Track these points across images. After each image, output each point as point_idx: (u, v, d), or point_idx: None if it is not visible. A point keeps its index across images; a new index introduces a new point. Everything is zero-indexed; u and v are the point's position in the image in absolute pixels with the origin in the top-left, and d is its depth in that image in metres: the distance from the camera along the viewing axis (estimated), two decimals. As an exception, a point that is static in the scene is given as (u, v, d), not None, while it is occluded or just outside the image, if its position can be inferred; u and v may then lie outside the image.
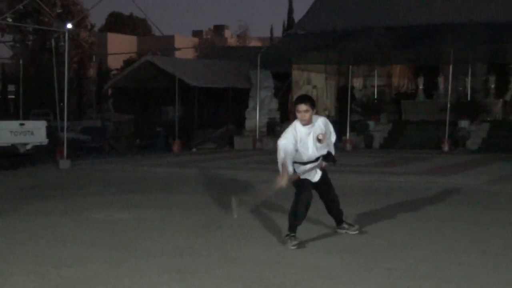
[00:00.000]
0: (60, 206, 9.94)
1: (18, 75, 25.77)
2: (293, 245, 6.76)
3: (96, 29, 58.46)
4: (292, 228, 6.94)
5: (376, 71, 27.64)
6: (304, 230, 7.19)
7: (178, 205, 10.09)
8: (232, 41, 63.31)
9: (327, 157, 7.11)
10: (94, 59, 44.71)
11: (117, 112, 31.37)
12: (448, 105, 22.04)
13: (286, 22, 49.46)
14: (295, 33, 27.86)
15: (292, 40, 27.09)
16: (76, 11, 44.95)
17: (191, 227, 8.13)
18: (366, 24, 25.45)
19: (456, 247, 6.87)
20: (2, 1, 41.36)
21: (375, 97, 27.04)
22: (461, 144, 22.48)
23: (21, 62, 26.00)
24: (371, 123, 24.79)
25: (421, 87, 27.01)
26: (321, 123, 7.01)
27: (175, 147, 22.84)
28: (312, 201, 7.02)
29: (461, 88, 25.97)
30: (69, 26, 21.11)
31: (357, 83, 28.48)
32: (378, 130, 24.76)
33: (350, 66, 25.37)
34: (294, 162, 6.91)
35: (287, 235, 6.92)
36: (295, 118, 6.99)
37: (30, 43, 46.19)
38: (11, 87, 41.73)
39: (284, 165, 6.72)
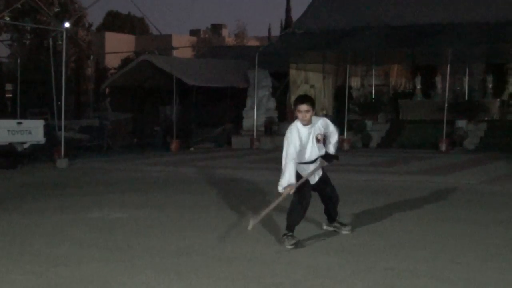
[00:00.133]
0: (57, 205, 9.93)
1: (16, 74, 25.72)
2: (291, 245, 6.77)
3: (94, 28, 58.48)
4: (290, 227, 6.94)
5: (373, 70, 27.65)
6: (302, 229, 7.19)
7: (176, 204, 10.08)
8: (229, 40, 63.32)
9: (328, 157, 7.13)
10: (91, 58, 44.66)
11: (114, 111, 31.32)
12: (446, 105, 22.04)
13: (284, 21, 49.46)
14: (293, 32, 27.84)
15: (290, 40, 27.08)
16: (74, 10, 44.88)
17: (189, 227, 8.12)
18: (364, 24, 25.47)
19: (454, 247, 6.87)
20: (-1, -1, 41.27)
21: (373, 96, 27.04)
22: (459, 143, 22.50)
23: (18, 61, 25.93)
24: (369, 123, 24.79)
25: (418, 86, 27.03)
26: (320, 125, 7.03)
27: (173, 146, 22.82)
28: (310, 201, 7.03)
29: (458, 88, 25.99)
30: (67, 25, 21.08)
31: (355, 82, 28.49)
32: (376, 129, 24.77)
33: (348, 66, 25.36)
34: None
35: (284, 235, 6.92)
36: (292, 117, 6.99)
37: (27, 42, 46.11)
38: (8, 86, 41.63)
39: (290, 172, 6.73)
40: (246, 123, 25.76)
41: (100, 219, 8.71)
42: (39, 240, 7.27)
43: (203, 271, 5.89)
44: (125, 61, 45.59)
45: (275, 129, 25.11)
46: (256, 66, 24.79)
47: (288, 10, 49.97)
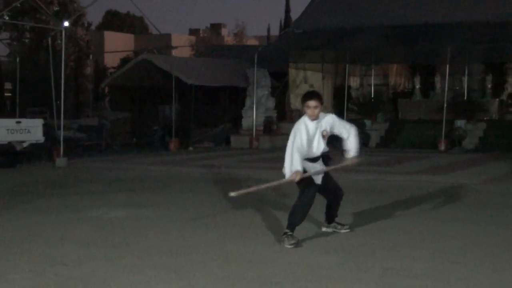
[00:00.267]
0: (56, 204, 9.92)
1: (15, 73, 25.68)
2: (290, 244, 6.77)
3: (93, 27, 58.48)
4: (291, 227, 6.95)
5: (373, 70, 27.65)
6: (302, 229, 7.19)
7: (175, 203, 10.08)
8: (229, 39, 63.27)
9: (349, 153, 7.28)
10: (91, 57, 44.67)
11: (114, 110, 31.31)
12: (445, 105, 22.06)
13: (283, 21, 49.52)
14: (292, 32, 27.84)
15: (289, 39, 27.08)
16: (73, 9, 44.86)
17: (188, 226, 8.12)
18: (363, 23, 25.45)
19: (452, 246, 6.87)
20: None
21: (372, 96, 27.04)
22: (458, 143, 22.50)
23: (17, 60, 25.89)
24: (368, 122, 24.78)
25: (418, 86, 27.04)
26: (327, 121, 7.08)
27: (172, 145, 22.79)
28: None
29: (457, 88, 25.98)
30: (66, 24, 20.97)
31: (354, 82, 28.49)
32: (375, 129, 24.76)
33: (347, 65, 25.35)
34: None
35: (284, 234, 6.93)
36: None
37: (27, 41, 46.09)
38: (7, 85, 41.61)
39: (296, 159, 6.79)
40: (245, 123, 25.74)
41: (99, 218, 8.71)
42: (38, 239, 7.26)
43: (202, 271, 5.88)
44: (124, 60, 45.57)
45: (274, 128, 25.09)
46: (256, 66, 24.78)
47: (287, 10, 50.04)
